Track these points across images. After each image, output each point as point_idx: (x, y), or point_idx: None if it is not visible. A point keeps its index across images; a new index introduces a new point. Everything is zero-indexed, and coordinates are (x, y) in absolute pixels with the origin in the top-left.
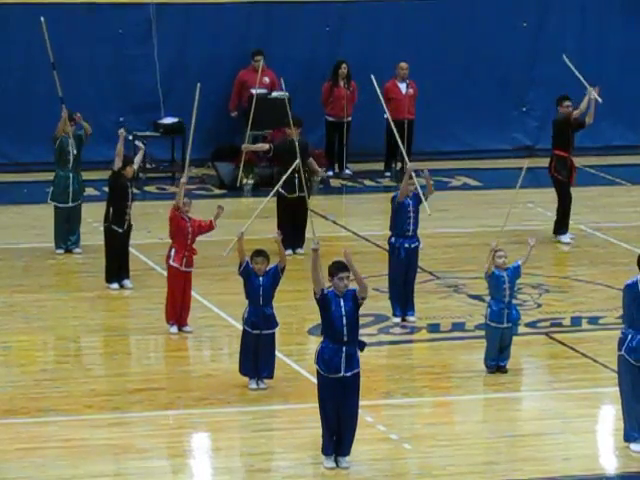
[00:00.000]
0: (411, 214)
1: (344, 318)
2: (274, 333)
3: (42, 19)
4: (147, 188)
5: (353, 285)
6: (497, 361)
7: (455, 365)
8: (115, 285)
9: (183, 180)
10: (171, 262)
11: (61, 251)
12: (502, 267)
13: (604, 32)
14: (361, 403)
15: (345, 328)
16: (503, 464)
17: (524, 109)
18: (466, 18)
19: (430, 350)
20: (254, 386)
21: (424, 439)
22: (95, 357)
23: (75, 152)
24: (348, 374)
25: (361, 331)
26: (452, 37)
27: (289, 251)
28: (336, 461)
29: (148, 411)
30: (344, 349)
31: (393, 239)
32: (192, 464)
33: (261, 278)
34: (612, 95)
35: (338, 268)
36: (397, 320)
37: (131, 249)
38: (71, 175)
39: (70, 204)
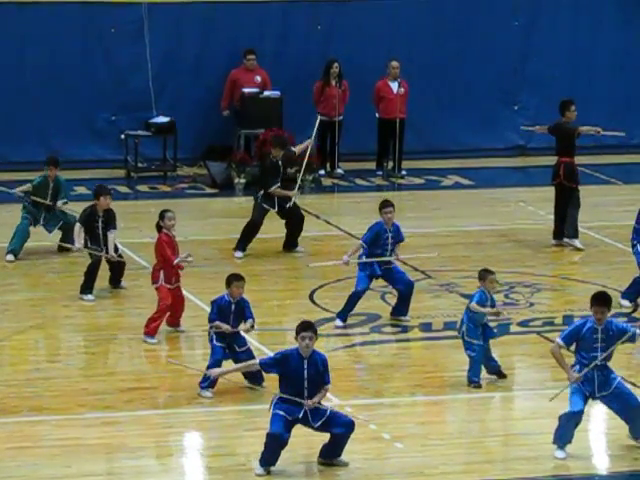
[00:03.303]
0: (389, 244)
1: (306, 382)
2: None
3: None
4: (139, 187)
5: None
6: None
7: (447, 364)
8: (90, 297)
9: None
10: (163, 284)
11: (11, 258)
12: (493, 292)
13: (596, 31)
14: (353, 402)
15: (306, 390)
16: (495, 463)
17: (516, 108)
18: (458, 17)
19: (422, 349)
20: (209, 395)
21: (416, 438)
22: (87, 356)
23: (49, 200)
24: (317, 424)
25: (354, 330)
26: (444, 36)
27: None
28: (331, 463)
29: (140, 410)
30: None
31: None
32: (184, 463)
33: (233, 305)
34: (604, 94)
35: (302, 327)
36: (341, 324)
37: (123, 248)
38: (44, 215)
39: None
